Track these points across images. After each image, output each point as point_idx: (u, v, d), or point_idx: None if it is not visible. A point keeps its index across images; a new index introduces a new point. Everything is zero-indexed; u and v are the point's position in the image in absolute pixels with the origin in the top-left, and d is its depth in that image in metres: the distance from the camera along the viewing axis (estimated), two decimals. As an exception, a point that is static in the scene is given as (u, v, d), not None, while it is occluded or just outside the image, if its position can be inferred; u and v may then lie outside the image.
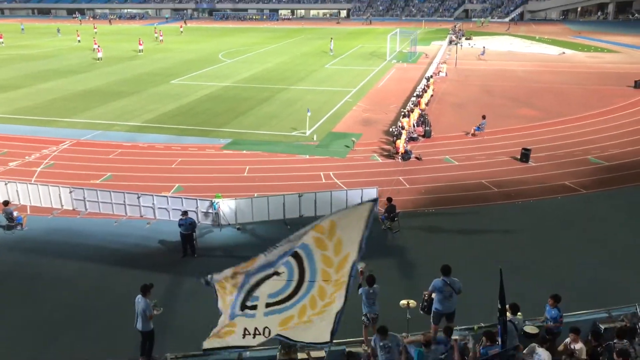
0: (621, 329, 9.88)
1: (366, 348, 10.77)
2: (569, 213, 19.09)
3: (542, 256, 15.84)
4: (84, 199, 19.79)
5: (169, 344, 11.79)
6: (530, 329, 10.56)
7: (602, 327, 10.85)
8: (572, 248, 16.49)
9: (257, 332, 7.27)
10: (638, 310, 11.34)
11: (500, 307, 8.78)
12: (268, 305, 7.19)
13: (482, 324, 11.14)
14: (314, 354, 10.61)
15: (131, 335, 11.24)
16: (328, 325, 7.20)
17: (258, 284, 6.94)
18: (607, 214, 18.84)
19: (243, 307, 7.13)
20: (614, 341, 9.48)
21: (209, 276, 7.12)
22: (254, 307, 7.19)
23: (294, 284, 7.04)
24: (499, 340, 9.41)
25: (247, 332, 7.24)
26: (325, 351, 10.82)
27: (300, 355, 10.56)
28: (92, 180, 22.54)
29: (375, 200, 6.72)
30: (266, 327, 7.27)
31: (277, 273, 6.98)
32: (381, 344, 9.44)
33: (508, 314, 10.08)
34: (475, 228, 18.04)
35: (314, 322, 7.17)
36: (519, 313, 10.35)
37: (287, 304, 7.15)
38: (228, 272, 7.00)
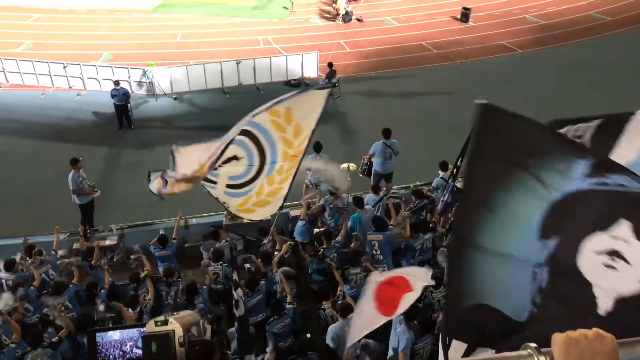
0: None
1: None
2: (504, 73, 19.45)
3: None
4: (4, 70, 18.34)
5: (113, 215, 11.82)
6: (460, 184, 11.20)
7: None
8: (505, 106, 17.03)
9: (218, 200, 7.42)
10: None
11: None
12: (228, 186, 7.24)
13: (418, 183, 11.70)
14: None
15: (70, 210, 11.14)
16: (279, 200, 7.40)
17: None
18: (540, 73, 19.33)
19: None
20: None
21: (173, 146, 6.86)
22: (214, 182, 7.20)
23: (254, 170, 7.07)
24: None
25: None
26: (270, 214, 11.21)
27: (246, 219, 10.87)
28: (9, 49, 20.74)
29: (331, 86, 6.68)
30: (225, 202, 7.39)
31: (236, 157, 6.93)
32: (331, 205, 9.82)
33: (440, 172, 10.61)
34: (415, 91, 18.21)
35: (269, 201, 7.35)
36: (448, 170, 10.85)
37: (246, 188, 7.23)
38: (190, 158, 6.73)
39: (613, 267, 2.06)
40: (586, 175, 2.08)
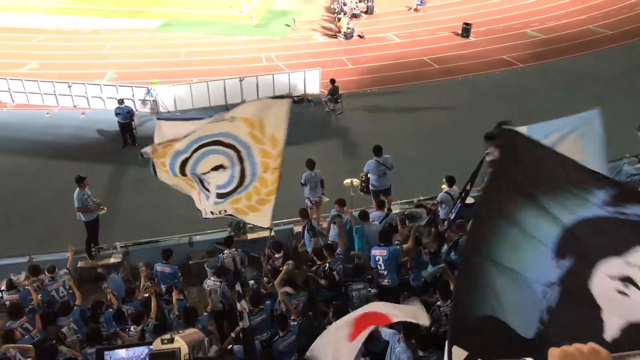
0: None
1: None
2: (505, 87, 19.53)
3: (478, 130, 16.32)
4: (9, 90, 18.55)
5: (118, 233, 11.84)
6: (469, 199, 11.17)
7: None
8: (512, 123, 17.05)
9: (214, 213, 7.64)
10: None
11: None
12: (219, 195, 7.36)
13: (421, 198, 11.70)
14: (262, 233, 10.95)
15: (75, 228, 11.16)
16: (269, 211, 7.40)
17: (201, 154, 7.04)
18: (540, 87, 19.38)
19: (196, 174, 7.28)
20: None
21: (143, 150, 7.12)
22: (208, 190, 7.37)
23: (237, 180, 7.18)
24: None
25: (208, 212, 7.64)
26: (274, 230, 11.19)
27: (250, 235, 10.89)
28: (15, 69, 20.98)
29: (289, 97, 6.76)
30: (220, 210, 7.56)
31: (223, 166, 7.05)
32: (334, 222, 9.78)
33: (445, 186, 10.60)
34: (417, 106, 18.27)
35: (258, 209, 7.38)
36: (454, 186, 10.84)
37: (235, 192, 7.33)
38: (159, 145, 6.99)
39: (625, 294, 2.06)
40: (605, 204, 2.14)
